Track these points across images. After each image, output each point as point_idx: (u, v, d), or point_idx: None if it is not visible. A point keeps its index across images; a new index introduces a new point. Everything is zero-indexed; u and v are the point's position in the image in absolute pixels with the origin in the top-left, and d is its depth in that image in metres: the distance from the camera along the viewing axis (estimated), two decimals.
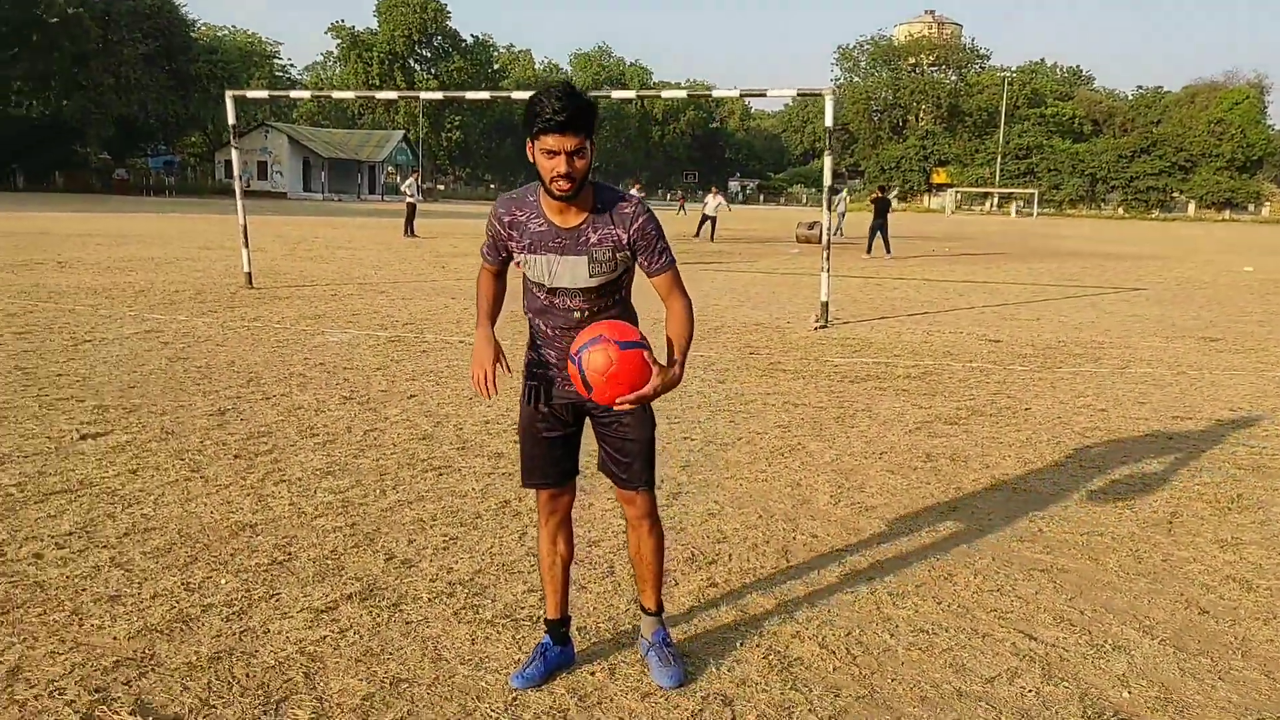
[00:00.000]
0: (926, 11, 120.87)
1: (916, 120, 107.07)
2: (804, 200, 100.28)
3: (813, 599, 3.89)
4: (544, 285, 2.99)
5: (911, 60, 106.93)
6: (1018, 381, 8.64)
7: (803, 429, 6.69)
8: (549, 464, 3.19)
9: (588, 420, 3.22)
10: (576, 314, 3.00)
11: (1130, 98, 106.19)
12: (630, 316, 3.14)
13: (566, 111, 2.69)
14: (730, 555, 4.33)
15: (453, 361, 8.71)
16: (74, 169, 69.55)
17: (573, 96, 2.71)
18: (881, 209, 25.81)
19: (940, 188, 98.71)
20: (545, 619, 3.35)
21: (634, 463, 3.14)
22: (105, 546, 4.15)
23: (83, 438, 5.83)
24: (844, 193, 37.08)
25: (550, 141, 2.72)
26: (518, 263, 3.05)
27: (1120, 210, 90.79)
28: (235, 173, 15.12)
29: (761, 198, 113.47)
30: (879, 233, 25.49)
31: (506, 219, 3.00)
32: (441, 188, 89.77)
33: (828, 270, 12.14)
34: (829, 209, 12.38)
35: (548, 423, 3.15)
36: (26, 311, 10.83)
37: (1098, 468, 5.94)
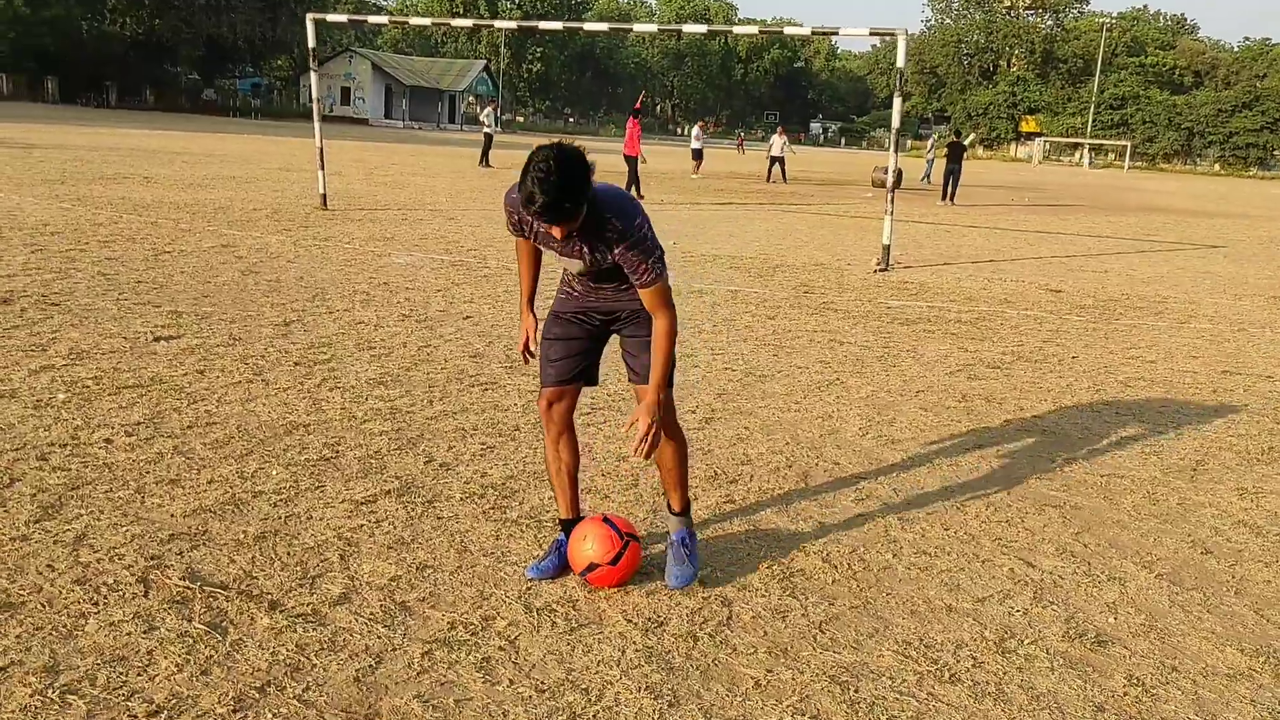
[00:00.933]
0: None
1: (1008, 65, 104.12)
2: (886, 145, 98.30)
3: (824, 519, 4.07)
4: (573, 270, 3.28)
5: (1006, 3, 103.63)
6: (1071, 331, 8.63)
7: (844, 366, 6.81)
8: (557, 360, 3.38)
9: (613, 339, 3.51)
10: (593, 282, 3.29)
11: (1236, 49, 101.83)
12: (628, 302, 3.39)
13: (544, 216, 2.85)
14: (751, 476, 4.52)
15: (510, 287, 8.96)
16: (164, 88, 71.11)
17: (552, 200, 2.79)
18: (956, 154, 25.37)
19: (1028, 136, 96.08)
20: (559, 519, 3.58)
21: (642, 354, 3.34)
22: (170, 436, 4.48)
23: (156, 339, 6.19)
24: (934, 137, 36.41)
25: (542, 226, 3.06)
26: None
27: (1216, 167, 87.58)
28: (314, 96, 15.43)
29: (843, 141, 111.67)
30: (952, 178, 25.10)
31: (515, 217, 3.25)
32: (520, 119, 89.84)
33: (891, 213, 12.10)
34: (896, 152, 12.28)
35: (566, 326, 3.39)
36: (112, 222, 11.31)
37: (1133, 415, 5.99)
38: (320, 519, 3.73)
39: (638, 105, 21.58)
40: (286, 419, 4.85)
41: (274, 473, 4.15)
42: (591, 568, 3.27)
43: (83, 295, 7.30)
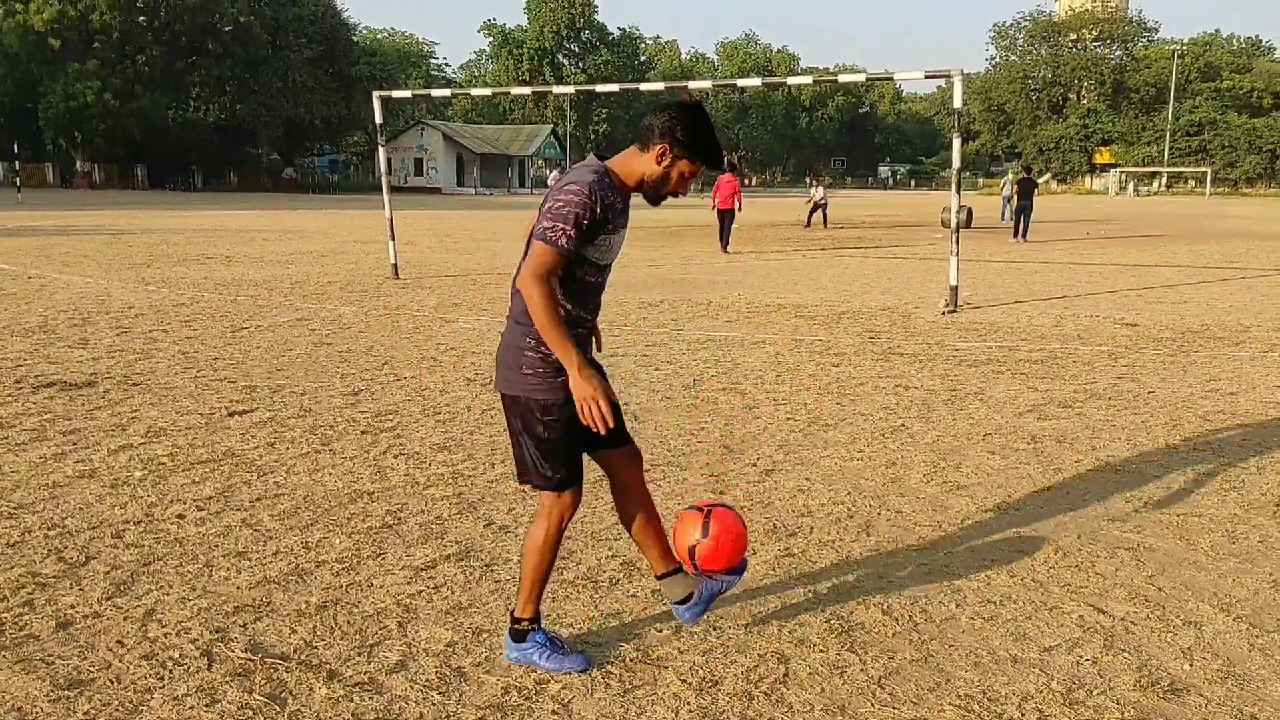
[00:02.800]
0: None
1: (1078, 98, 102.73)
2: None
3: (885, 570, 4.00)
4: (608, 264, 3.04)
5: (1073, 36, 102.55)
6: (1147, 365, 8.40)
7: (909, 411, 6.72)
8: (575, 443, 3.08)
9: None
10: (606, 289, 3.17)
11: None
12: None
13: (725, 156, 2.96)
14: (811, 528, 4.47)
15: None
16: (247, 169, 73.87)
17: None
18: (1026, 190, 25.03)
19: (1104, 168, 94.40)
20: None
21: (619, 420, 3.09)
22: (239, 509, 4.59)
23: (230, 414, 6.38)
24: (1009, 175, 35.98)
25: (696, 169, 3.02)
26: (596, 244, 2.93)
27: None
28: (382, 170, 15.89)
29: (913, 183, 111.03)
30: (1022, 215, 24.76)
31: (607, 201, 2.89)
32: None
33: (956, 253, 11.97)
34: (958, 191, 12.18)
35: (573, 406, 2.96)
36: (194, 301, 11.72)
37: (1212, 450, 5.79)
38: (380, 586, 3.78)
39: (734, 162, 23.54)
40: (351, 487, 4.95)
41: (337, 541, 4.22)
42: (694, 553, 3.14)
43: (163, 374, 7.56)
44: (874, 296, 13.14)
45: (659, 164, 2.94)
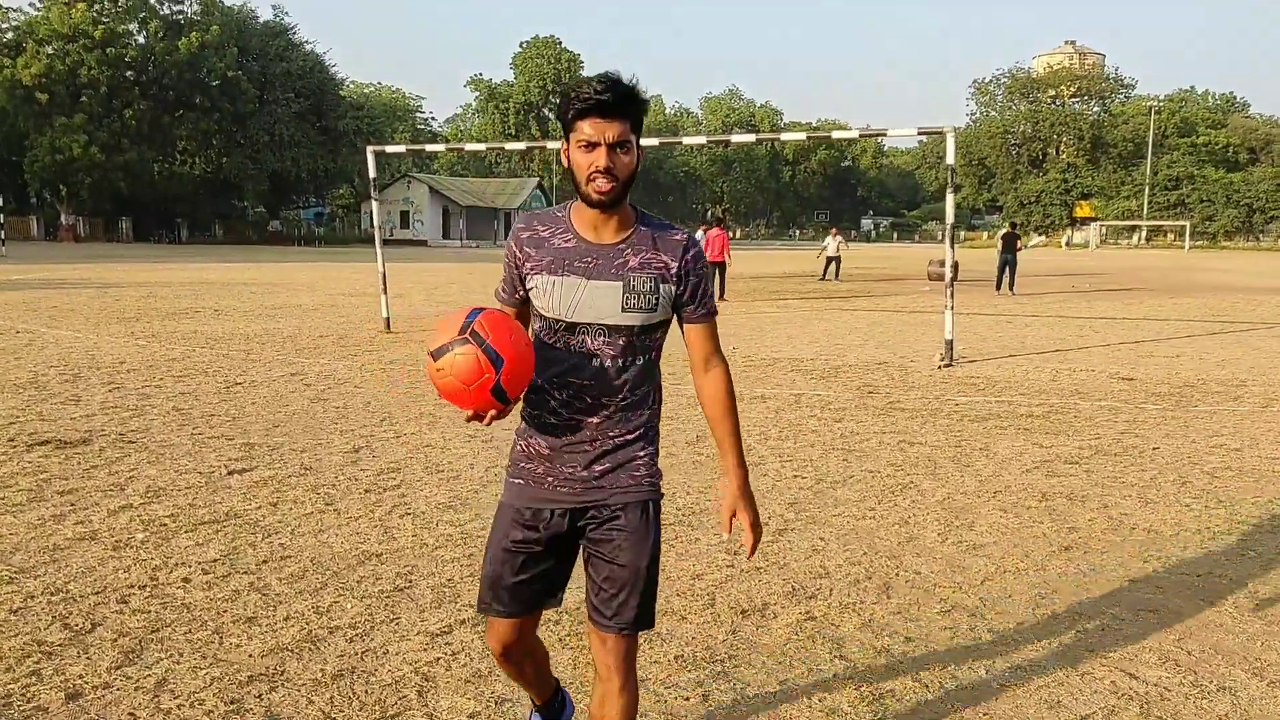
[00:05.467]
0: (1067, 42, 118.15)
1: (1057, 153, 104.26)
2: (939, 237, 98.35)
3: (909, 633, 3.93)
4: (561, 320, 2.41)
5: (1051, 92, 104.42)
6: (1148, 420, 8.40)
7: (916, 468, 6.68)
8: (518, 587, 2.52)
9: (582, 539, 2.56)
10: (597, 362, 2.42)
11: None
12: (657, 392, 2.58)
13: (609, 91, 2.28)
14: (831, 590, 4.40)
15: None
16: (232, 221, 73.99)
17: (617, 81, 2.30)
18: (1009, 244, 25.25)
19: (1084, 221, 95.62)
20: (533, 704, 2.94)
21: (619, 594, 2.44)
22: (246, 572, 4.49)
23: (230, 473, 6.28)
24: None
25: (588, 129, 2.30)
26: (529, 291, 2.47)
27: None
28: (375, 223, 15.91)
29: (895, 235, 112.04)
30: (1007, 268, 24.97)
31: (525, 234, 2.48)
32: None
33: (951, 308, 12.02)
34: (952, 246, 12.26)
35: (527, 532, 2.50)
36: (186, 356, 11.62)
37: (1224, 507, 5.76)
38: (396, 653, 3.69)
39: (721, 216, 24.91)
40: (359, 549, 4.85)
41: (349, 606, 4.13)
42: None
43: (158, 431, 7.46)
44: (869, 350, 13.15)
45: (566, 163, 2.41)
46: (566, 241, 2.43)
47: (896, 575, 4.60)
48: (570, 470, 2.49)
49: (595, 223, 2.42)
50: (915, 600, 4.29)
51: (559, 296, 2.41)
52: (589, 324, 2.40)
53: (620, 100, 2.30)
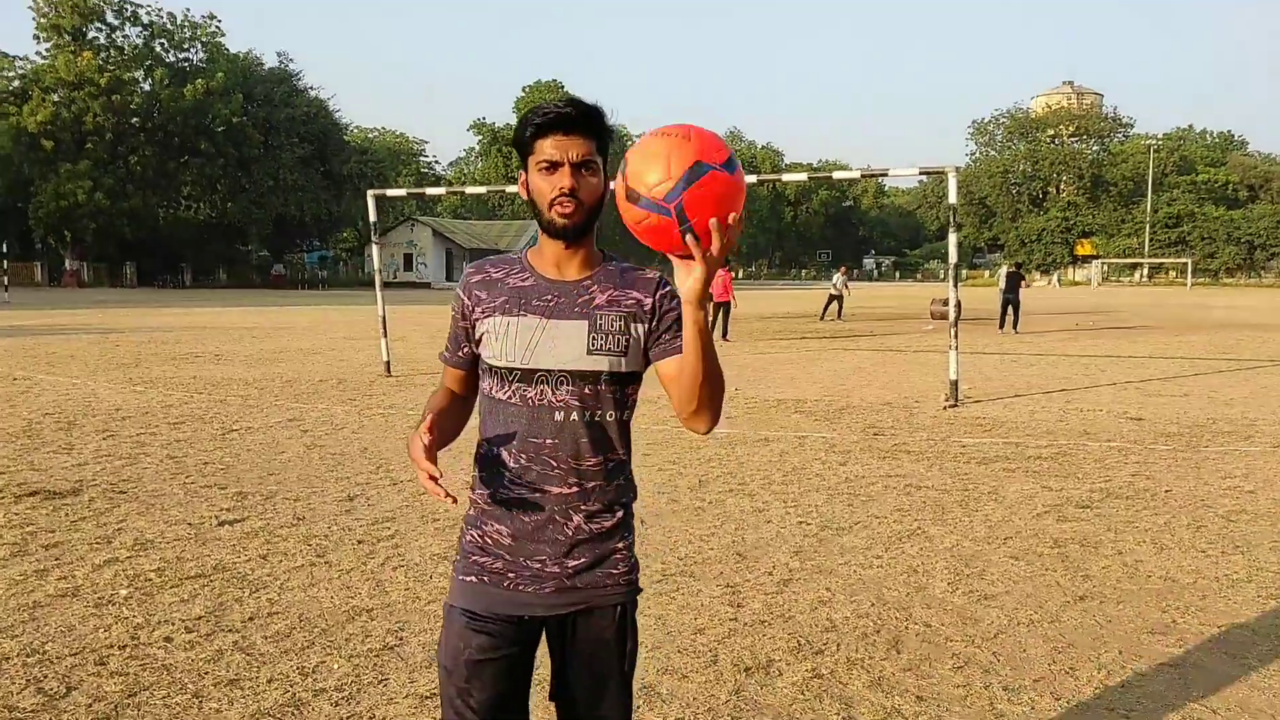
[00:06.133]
0: (1065, 82, 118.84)
1: (1057, 191, 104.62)
2: (941, 276, 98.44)
3: (922, 693, 3.76)
4: (515, 368, 2.10)
5: (1050, 131, 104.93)
6: (1160, 462, 8.24)
7: (923, 513, 6.51)
8: (487, 702, 2.11)
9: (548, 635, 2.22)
10: (560, 417, 2.09)
11: None
12: (628, 462, 2.22)
13: (572, 106, 2.07)
14: (838, 645, 4.23)
15: None
16: (236, 265, 74.30)
17: (579, 99, 2.11)
18: (1012, 284, 25.18)
19: (1085, 259, 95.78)
20: None
21: (594, 704, 2.19)
22: (230, 631, 4.33)
23: (221, 524, 6.13)
24: (1002, 269, 36.09)
25: (550, 148, 2.05)
26: (480, 339, 2.16)
27: None
28: (376, 267, 15.86)
29: (898, 274, 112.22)
30: (1010, 307, 24.89)
31: (476, 277, 2.21)
32: None
33: (956, 348, 11.89)
34: (956, 285, 12.16)
35: (488, 640, 2.11)
36: (183, 403, 11.50)
37: (1241, 553, 5.59)
38: (383, 718, 3.52)
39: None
40: (349, 604, 4.69)
41: (336, 666, 3.96)
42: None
43: (150, 481, 7.31)
44: (873, 391, 13.01)
45: (526, 195, 2.14)
46: (523, 280, 2.16)
47: (906, 628, 4.43)
48: (539, 564, 2.12)
49: (557, 258, 2.15)
50: (926, 655, 4.12)
51: (513, 339, 2.10)
52: (549, 371, 2.09)
53: (584, 117, 2.07)
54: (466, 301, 2.19)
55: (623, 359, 2.11)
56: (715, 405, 2.03)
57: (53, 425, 9.77)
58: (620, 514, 2.18)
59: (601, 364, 2.09)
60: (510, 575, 2.13)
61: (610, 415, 2.14)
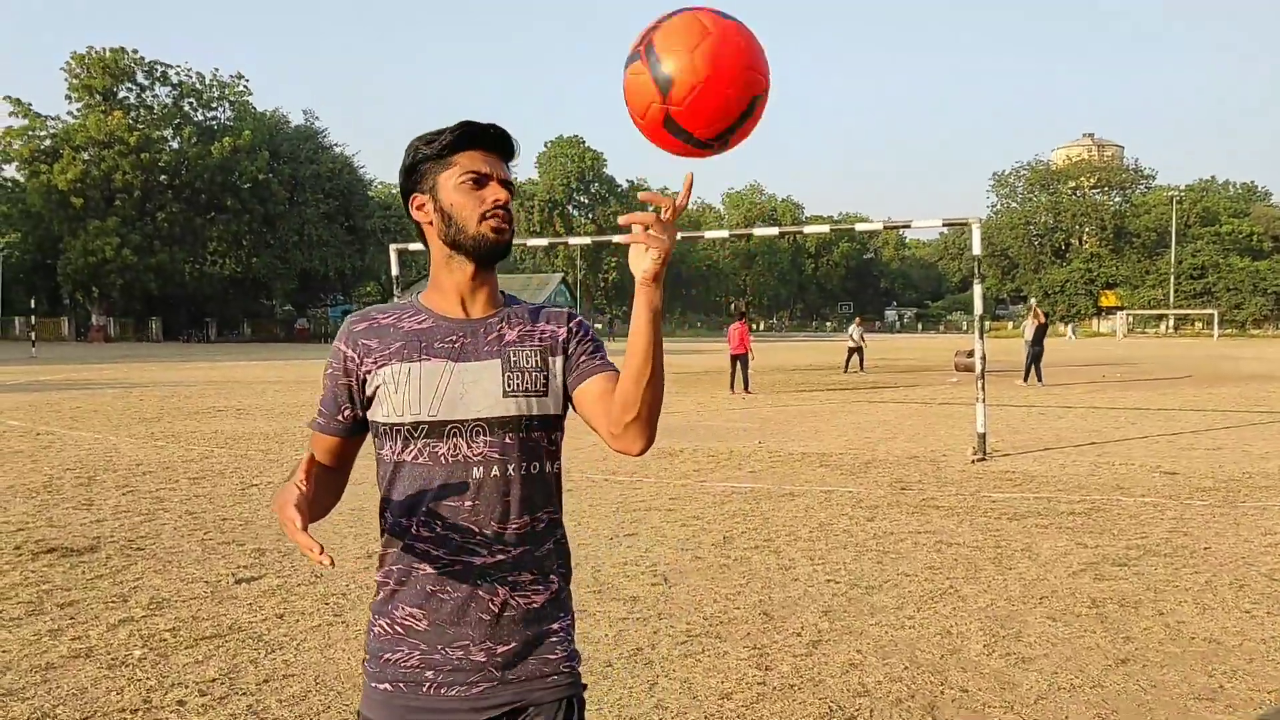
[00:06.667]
0: (1085, 135, 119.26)
1: (1080, 243, 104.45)
2: (964, 328, 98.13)
3: None
4: (422, 421, 1.83)
5: (1071, 183, 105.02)
6: (1196, 518, 8.03)
7: (955, 571, 6.34)
8: None
9: None
10: (479, 474, 1.83)
11: None
12: (561, 521, 1.98)
13: (493, 126, 1.91)
14: (871, 710, 4.07)
15: (596, 502, 8.71)
16: (261, 320, 74.96)
17: (500, 129, 1.93)
18: (1037, 335, 24.95)
19: (1110, 310, 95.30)
20: None
21: None
22: (245, 694, 4.22)
23: (238, 582, 6.03)
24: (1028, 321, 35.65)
25: (477, 161, 1.88)
26: (373, 395, 1.88)
27: None
28: None
29: (920, 326, 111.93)
30: (1035, 360, 24.64)
31: (360, 325, 1.91)
32: (599, 325, 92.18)
33: (983, 400, 11.72)
34: (982, 338, 12.03)
35: None
36: (204, 458, 11.46)
37: None
38: None
39: (744, 310, 27.21)
40: None
41: None
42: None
43: (168, 537, 7.24)
44: (899, 444, 12.83)
45: (424, 217, 1.92)
46: (420, 323, 1.90)
47: (941, 693, 4.26)
48: (461, 653, 1.82)
49: (461, 293, 1.92)
50: None
51: (417, 389, 1.83)
52: (462, 421, 1.83)
53: (505, 138, 1.93)
54: (350, 354, 1.89)
55: (543, 398, 1.89)
56: (655, 416, 1.83)
57: (73, 481, 9.74)
58: (555, 585, 1.91)
59: (521, 406, 1.87)
60: (429, 675, 1.82)
61: (536, 467, 1.89)
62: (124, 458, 11.35)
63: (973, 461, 11.21)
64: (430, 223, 1.91)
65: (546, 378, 1.91)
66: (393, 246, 14.55)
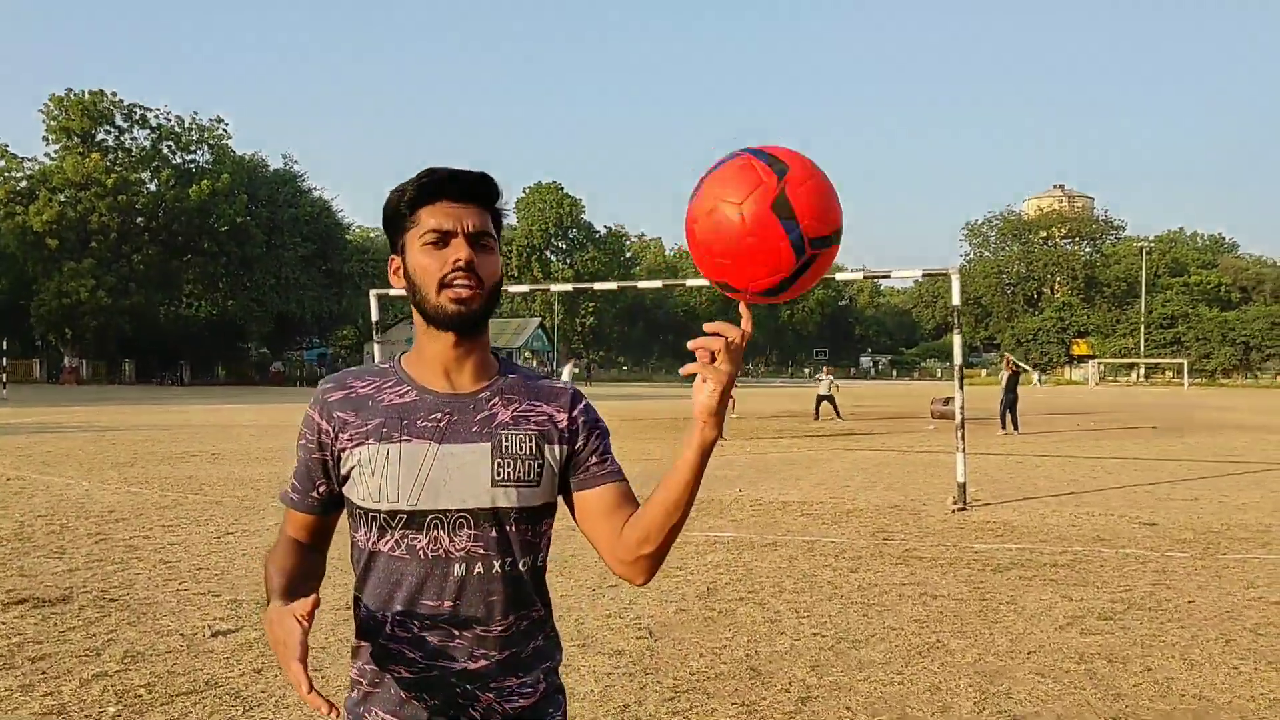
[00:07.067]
0: (1055, 185, 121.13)
1: (1052, 292, 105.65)
2: (938, 375, 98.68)
3: None
4: (401, 511, 1.67)
5: (1043, 233, 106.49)
6: (1178, 570, 8.04)
7: (942, 624, 6.31)
8: None
9: None
10: (460, 571, 1.67)
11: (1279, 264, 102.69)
12: (549, 617, 1.83)
13: (461, 173, 1.71)
14: None
15: (578, 551, 8.62)
16: (235, 362, 74.47)
17: (478, 174, 1.74)
18: (1010, 384, 25.13)
19: (1082, 359, 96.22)
20: None
21: None
22: None
23: (214, 634, 5.91)
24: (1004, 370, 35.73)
25: (438, 216, 1.67)
26: (347, 476, 1.73)
27: (1279, 379, 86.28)
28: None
29: (895, 373, 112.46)
30: (1009, 407, 24.78)
31: (335, 395, 1.74)
32: (576, 370, 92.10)
33: (963, 449, 11.75)
34: (961, 387, 12.08)
35: None
36: (178, 504, 11.30)
37: (1276, 669, 5.38)
38: None
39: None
40: None
41: None
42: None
43: (142, 588, 7.10)
44: (879, 493, 12.82)
45: (398, 274, 1.77)
46: (402, 395, 1.72)
47: None
48: None
49: (445, 363, 1.74)
50: None
51: (396, 474, 1.65)
52: (445, 512, 1.66)
53: (476, 182, 1.71)
54: (324, 425, 1.72)
55: (534, 488, 1.72)
56: (668, 550, 1.72)
57: (44, 528, 9.56)
58: (544, 686, 1.76)
59: (510, 497, 1.69)
60: None
61: (524, 563, 1.72)
62: (96, 504, 11.17)
63: (953, 511, 11.20)
64: (398, 275, 1.77)
65: (541, 466, 1.73)
66: (373, 292, 14.51)
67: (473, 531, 1.67)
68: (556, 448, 1.74)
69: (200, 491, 12.43)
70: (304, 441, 1.75)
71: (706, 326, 1.61)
